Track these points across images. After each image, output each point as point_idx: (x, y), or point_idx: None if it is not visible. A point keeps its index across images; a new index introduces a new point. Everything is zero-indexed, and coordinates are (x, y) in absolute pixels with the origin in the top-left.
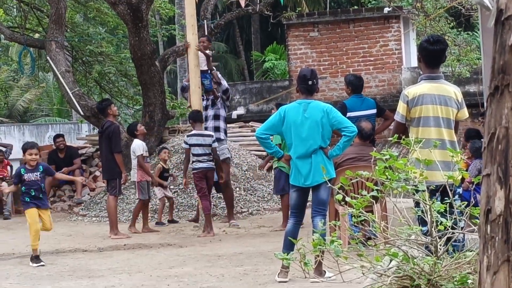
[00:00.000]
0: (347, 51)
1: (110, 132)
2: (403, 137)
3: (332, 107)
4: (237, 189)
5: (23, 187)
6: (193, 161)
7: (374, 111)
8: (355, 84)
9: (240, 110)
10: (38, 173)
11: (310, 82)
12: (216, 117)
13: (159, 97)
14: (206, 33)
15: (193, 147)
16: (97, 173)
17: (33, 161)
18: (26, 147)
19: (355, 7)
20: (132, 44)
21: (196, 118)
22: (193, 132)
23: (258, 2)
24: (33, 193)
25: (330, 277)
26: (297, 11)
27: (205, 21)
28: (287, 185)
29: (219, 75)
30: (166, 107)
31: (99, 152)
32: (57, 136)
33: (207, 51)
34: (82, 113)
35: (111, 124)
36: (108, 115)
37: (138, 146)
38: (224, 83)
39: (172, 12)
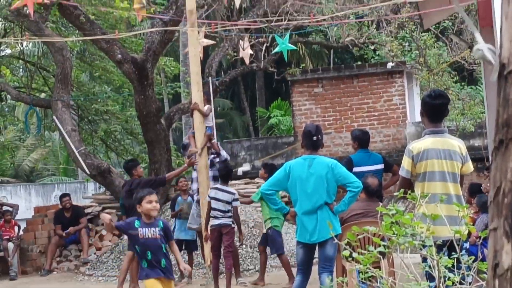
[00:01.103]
0: (352, 106)
1: (141, 188)
2: (409, 192)
3: (337, 163)
4: (244, 246)
5: (137, 246)
6: (211, 216)
7: (381, 166)
8: (361, 139)
9: (246, 167)
10: (157, 229)
11: (315, 138)
12: (215, 178)
13: (165, 154)
14: (211, 91)
15: (212, 201)
16: (103, 232)
17: (154, 212)
18: (143, 195)
19: (359, 62)
20: (137, 102)
21: (221, 173)
22: (216, 185)
23: (263, 59)
24: (150, 257)
25: None
26: (301, 67)
27: (210, 78)
28: (282, 244)
29: (219, 145)
30: (171, 165)
31: (118, 211)
32: (63, 196)
33: (205, 108)
34: (88, 172)
35: (140, 180)
36: (133, 175)
37: None
38: (224, 153)
39: (177, 70)
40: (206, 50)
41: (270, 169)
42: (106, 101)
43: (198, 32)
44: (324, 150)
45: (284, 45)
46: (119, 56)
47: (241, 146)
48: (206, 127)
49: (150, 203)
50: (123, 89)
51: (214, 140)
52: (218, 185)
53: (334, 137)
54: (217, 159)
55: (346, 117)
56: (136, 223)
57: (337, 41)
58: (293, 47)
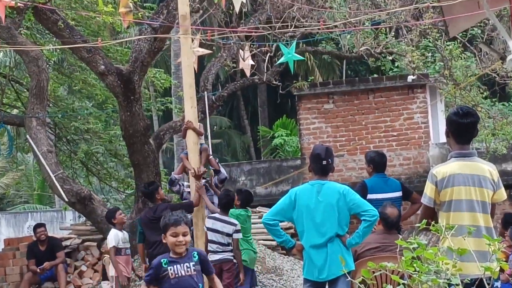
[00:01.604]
0: (367, 125)
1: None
2: (432, 223)
3: (350, 189)
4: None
5: None
6: (208, 250)
7: (399, 193)
8: (377, 162)
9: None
10: (192, 263)
11: (324, 162)
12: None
13: (154, 179)
14: (206, 107)
15: (209, 232)
16: (83, 268)
17: (180, 248)
18: (168, 223)
19: (375, 75)
20: (123, 120)
21: (221, 202)
22: (214, 215)
23: (265, 71)
24: None
25: None
26: (309, 80)
27: (205, 92)
28: (251, 283)
29: (217, 161)
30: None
31: (141, 243)
32: (37, 226)
33: (199, 126)
34: (66, 199)
35: (166, 206)
36: (156, 200)
37: (111, 237)
38: (223, 171)
39: (168, 83)
40: (201, 60)
41: (245, 196)
42: (87, 119)
43: (192, 40)
44: (335, 175)
45: (290, 55)
46: (102, 67)
47: (241, 170)
48: (201, 144)
49: (175, 236)
50: (106, 104)
51: (212, 156)
52: (217, 215)
53: (347, 160)
54: (216, 178)
55: (361, 137)
56: (163, 262)
57: (350, 50)
58: (300, 57)
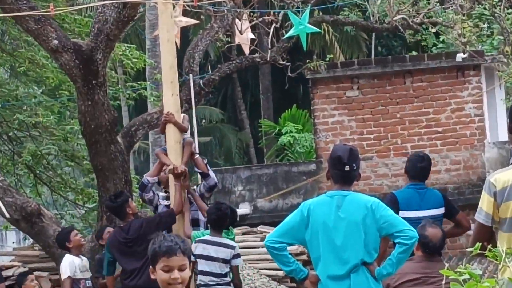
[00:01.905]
0: (403, 118)
1: (145, 233)
2: (489, 246)
3: (380, 202)
4: None
5: None
6: (198, 285)
7: (439, 211)
8: (412, 166)
9: (244, 208)
10: None
11: (347, 167)
12: (195, 222)
13: (123, 188)
14: (192, 94)
15: (199, 260)
16: None
17: (177, 286)
18: (158, 253)
19: (414, 52)
20: (82, 112)
21: (211, 218)
22: (205, 237)
23: (270, 47)
24: None
25: None
26: (327, 59)
27: (190, 75)
28: None
29: (205, 162)
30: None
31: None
32: None
33: (182, 117)
34: (7, 215)
35: (141, 222)
36: (126, 216)
37: (65, 265)
38: (213, 175)
39: (141, 62)
40: (186, 33)
41: (221, 215)
42: (35, 110)
43: (174, 7)
44: (362, 184)
45: (302, 26)
46: (55, 42)
47: (237, 178)
48: (184, 139)
49: (167, 271)
50: (60, 91)
51: (198, 155)
52: (208, 237)
53: (377, 164)
54: (202, 185)
55: (395, 135)
56: None
57: (381, 20)
58: (316, 29)
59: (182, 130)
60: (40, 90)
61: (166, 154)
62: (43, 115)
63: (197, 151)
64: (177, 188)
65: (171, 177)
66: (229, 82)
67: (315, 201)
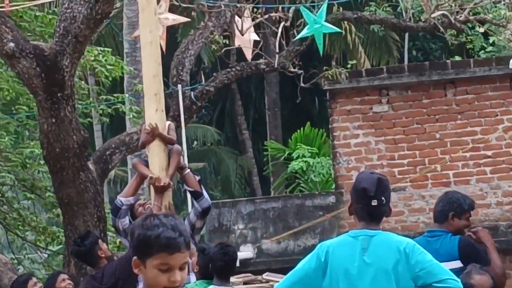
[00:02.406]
0: (443, 139)
1: (120, 278)
2: None
3: (416, 244)
4: None
5: None
6: None
7: (454, 264)
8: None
9: (246, 251)
10: None
11: (374, 202)
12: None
13: (94, 227)
14: (181, 108)
15: None
16: None
17: None
18: (155, 243)
19: (457, 57)
20: (45, 131)
21: (217, 265)
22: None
23: (277, 51)
24: None
25: None
26: (348, 66)
27: (179, 86)
28: None
29: (197, 179)
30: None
31: None
32: None
33: (167, 125)
34: None
35: (113, 267)
36: (98, 261)
37: None
38: (206, 195)
39: (118, 70)
40: (173, 34)
41: (213, 257)
42: None
43: (158, 2)
44: (393, 221)
45: (317, 25)
46: (11, 44)
47: (237, 213)
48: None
49: (166, 272)
50: (17, 106)
51: (189, 170)
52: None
53: (411, 197)
54: (193, 211)
55: (434, 160)
56: None
57: (416, 18)
58: (335, 28)
59: (168, 142)
60: None
61: (147, 166)
62: None
63: (187, 164)
64: (156, 209)
65: (152, 192)
66: (227, 94)
67: (334, 243)
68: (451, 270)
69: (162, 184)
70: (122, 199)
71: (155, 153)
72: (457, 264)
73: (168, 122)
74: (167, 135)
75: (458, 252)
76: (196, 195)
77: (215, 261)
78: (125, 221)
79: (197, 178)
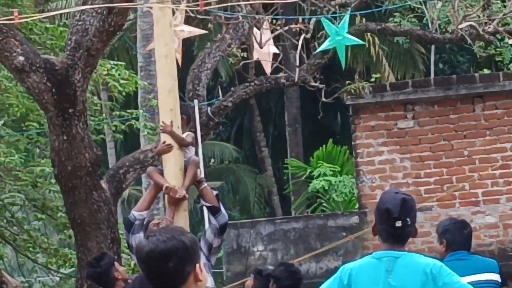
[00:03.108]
0: (471, 156)
1: None
2: None
3: (443, 266)
4: None
5: None
6: None
7: (495, 276)
8: (454, 235)
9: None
10: None
11: (398, 223)
12: None
13: (108, 249)
14: (197, 121)
15: None
16: None
17: None
18: None
19: (485, 70)
20: (56, 149)
21: (285, 284)
22: None
23: (298, 64)
24: None
25: None
26: (372, 80)
27: (195, 101)
28: None
29: (215, 194)
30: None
31: None
32: None
33: (185, 135)
34: None
35: (131, 286)
36: (115, 283)
37: None
38: (224, 211)
39: (132, 85)
40: (189, 47)
41: (267, 283)
42: None
43: (174, 13)
44: (419, 242)
45: (339, 37)
46: (21, 58)
47: (257, 234)
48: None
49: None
50: (27, 123)
51: (206, 184)
52: None
53: (438, 216)
54: (210, 229)
55: (461, 178)
56: None
57: (442, 29)
58: (358, 41)
59: (182, 144)
60: (2, 122)
61: (162, 175)
62: (5, 153)
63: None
64: (165, 224)
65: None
66: (246, 110)
67: (358, 265)
68: (494, 282)
69: (177, 196)
70: (135, 213)
71: (171, 162)
72: (498, 277)
73: (187, 133)
74: (180, 135)
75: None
76: (214, 211)
77: (282, 280)
78: (140, 237)
79: (215, 193)
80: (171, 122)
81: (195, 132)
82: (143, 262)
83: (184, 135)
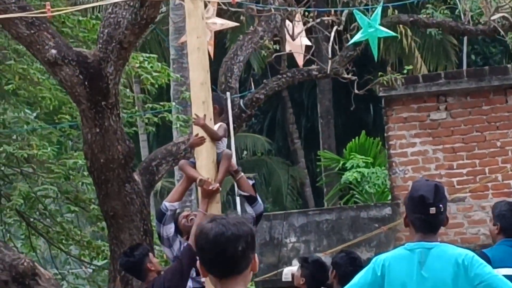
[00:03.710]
0: (505, 147)
1: None
2: None
3: (475, 256)
4: None
5: None
6: None
7: None
8: (508, 221)
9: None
10: None
11: (432, 209)
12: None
13: (141, 241)
14: (230, 117)
15: None
16: None
17: None
18: None
19: None
20: (88, 142)
21: (347, 270)
22: None
23: (330, 56)
24: None
25: None
26: (404, 72)
27: (228, 93)
28: None
29: (252, 183)
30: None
31: None
32: None
33: (218, 126)
34: None
35: (163, 278)
36: (147, 275)
37: None
38: (260, 200)
39: (165, 77)
40: (221, 40)
41: (315, 269)
42: (27, 139)
43: (206, 6)
44: (452, 233)
45: (372, 29)
46: (53, 51)
47: (289, 226)
48: (218, 154)
49: None
50: (60, 115)
51: (242, 174)
52: None
53: (471, 208)
54: (248, 212)
55: (495, 169)
56: None
57: (475, 21)
58: (391, 32)
59: (214, 138)
60: (34, 114)
61: (195, 168)
62: (38, 146)
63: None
64: (199, 216)
65: (200, 195)
66: (278, 102)
67: (390, 256)
68: None
69: (210, 188)
70: (167, 204)
71: (203, 155)
72: None
73: (219, 124)
74: (212, 128)
75: None
76: (251, 200)
77: (342, 267)
78: (170, 228)
79: (251, 182)
80: (204, 115)
81: (227, 124)
82: (211, 244)
83: (216, 127)
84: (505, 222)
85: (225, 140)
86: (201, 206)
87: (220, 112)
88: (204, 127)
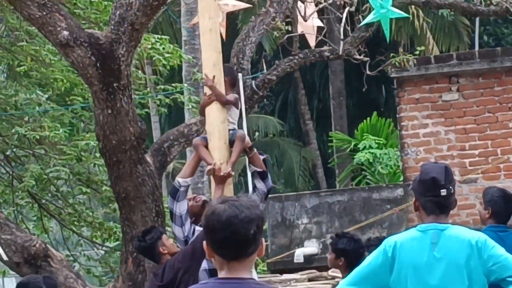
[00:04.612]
0: None
1: (178, 272)
2: None
3: (488, 238)
4: None
5: None
6: None
7: None
8: (498, 207)
9: (310, 247)
10: None
11: (443, 191)
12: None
13: (153, 222)
14: (242, 98)
15: None
16: None
17: None
18: None
19: None
20: (100, 123)
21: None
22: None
23: (342, 38)
24: None
25: None
26: (417, 53)
27: (240, 74)
28: None
29: (264, 158)
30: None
31: None
32: None
33: (228, 97)
34: (5, 257)
35: (172, 262)
36: (161, 258)
37: None
38: (269, 178)
39: (177, 59)
40: (233, 21)
41: (347, 247)
42: (39, 121)
43: None
44: (464, 214)
45: (384, 10)
46: (65, 33)
47: (301, 207)
48: (230, 130)
49: None
50: (72, 97)
51: (256, 150)
52: None
53: (483, 188)
54: (257, 192)
55: (506, 150)
56: None
57: (487, 2)
58: (403, 13)
59: (222, 100)
60: (46, 96)
61: (207, 146)
62: (49, 127)
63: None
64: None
65: (214, 182)
66: (290, 83)
67: (402, 237)
68: None
69: (222, 173)
70: (180, 179)
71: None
72: None
73: (230, 94)
74: (222, 93)
75: None
76: (263, 175)
77: (352, 252)
78: (183, 205)
79: (264, 156)
80: (213, 76)
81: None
82: (223, 225)
83: (229, 96)
84: (497, 207)
85: (236, 112)
86: (215, 192)
87: (232, 84)
88: (212, 88)
